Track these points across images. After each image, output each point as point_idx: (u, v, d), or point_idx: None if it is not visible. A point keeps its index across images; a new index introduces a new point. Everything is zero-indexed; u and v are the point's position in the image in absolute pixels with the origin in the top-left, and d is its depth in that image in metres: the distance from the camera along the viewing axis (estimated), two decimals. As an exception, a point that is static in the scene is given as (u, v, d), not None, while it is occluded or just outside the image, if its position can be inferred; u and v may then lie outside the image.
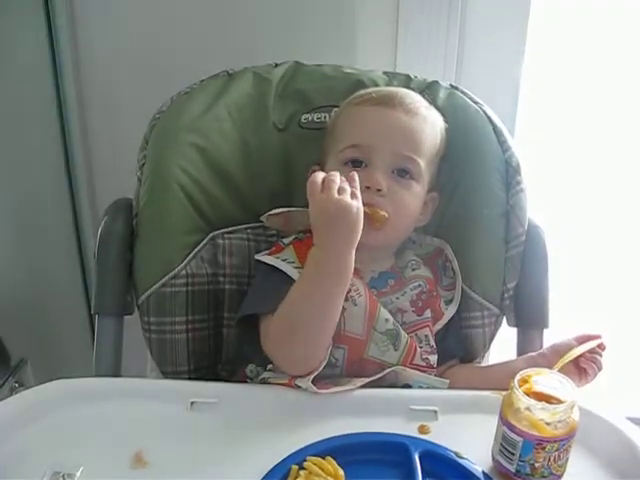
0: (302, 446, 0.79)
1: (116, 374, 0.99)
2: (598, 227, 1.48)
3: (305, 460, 0.77)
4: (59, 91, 1.30)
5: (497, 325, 1.03)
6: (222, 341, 1.05)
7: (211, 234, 1.04)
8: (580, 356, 0.92)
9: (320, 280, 0.86)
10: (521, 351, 1.02)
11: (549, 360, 0.92)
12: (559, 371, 0.89)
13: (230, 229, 1.05)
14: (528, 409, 0.76)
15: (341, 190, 0.84)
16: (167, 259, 0.99)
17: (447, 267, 1.04)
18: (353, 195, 0.85)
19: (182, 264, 0.99)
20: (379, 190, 0.94)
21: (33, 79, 1.30)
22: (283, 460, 0.77)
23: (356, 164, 0.97)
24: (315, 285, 0.86)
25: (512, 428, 0.76)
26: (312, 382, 0.86)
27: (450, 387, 0.94)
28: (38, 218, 1.38)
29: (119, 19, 1.29)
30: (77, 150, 1.34)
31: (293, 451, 0.78)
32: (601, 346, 0.93)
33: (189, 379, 1.00)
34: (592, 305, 1.50)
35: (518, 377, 0.79)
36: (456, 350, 1.02)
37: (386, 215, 0.92)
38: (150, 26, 1.29)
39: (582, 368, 0.92)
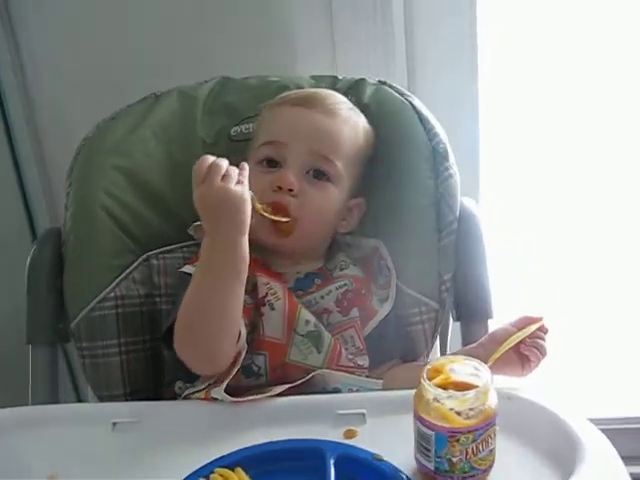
0: (215, 458, 0.76)
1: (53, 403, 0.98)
2: (563, 220, 1.43)
3: (212, 472, 0.74)
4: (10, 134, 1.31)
5: (438, 320, 0.98)
6: (163, 362, 1.02)
7: (145, 255, 1.02)
8: (521, 342, 0.87)
9: (211, 270, 0.83)
10: (467, 345, 0.96)
11: (488, 349, 0.86)
12: (499, 360, 0.84)
13: (165, 249, 1.04)
14: (436, 399, 0.70)
15: (226, 177, 0.81)
16: (94, 283, 0.98)
17: (382, 265, 1.00)
18: (239, 182, 0.82)
19: (110, 287, 0.97)
20: (291, 190, 0.91)
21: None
22: (190, 474, 0.74)
23: (271, 164, 0.95)
24: (207, 275, 0.83)
25: (423, 421, 0.71)
26: (234, 394, 0.83)
27: (389, 388, 0.89)
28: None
29: (65, 35, 1.28)
30: (33, 180, 1.34)
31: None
32: (542, 329, 0.87)
33: (126, 402, 0.98)
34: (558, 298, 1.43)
35: (428, 367, 0.73)
36: (394, 350, 0.97)
37: (290, 221, 0.90)
38: (99, 45, 1.28)
39: (524, 355, 0.86)
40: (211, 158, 0.83)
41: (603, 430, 0.77)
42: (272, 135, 0.96)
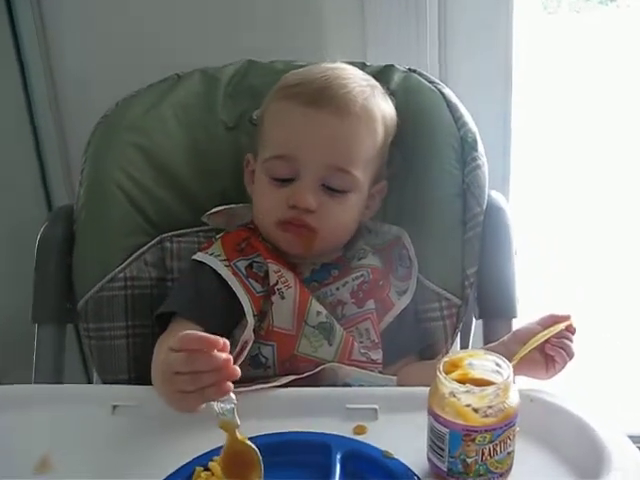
0: (216, 447, 0.72)
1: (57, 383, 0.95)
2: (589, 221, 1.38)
3: (211, 460, 0.70)
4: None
5: (459, 317, 0.93)
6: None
7: (159, 237, 0.99)
8: (546, 342, 0.81)
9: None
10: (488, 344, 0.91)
11: (510, 348, 0.80)
12: (522, 360, 0.79)
13: (180, 232, 1.00)
14: (452, 394, 0.66)
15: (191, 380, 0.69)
16: (104, 262, 0.95)
17: (404, 256, 0.95)
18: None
19: (120, 267, 0.95)
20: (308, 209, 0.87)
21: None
22: (189, 462, 0.71)
23: (284, 182, 0.89)
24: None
25: (437, 418, 0.67)
26: (240, 384, 0.78)
27: (403, 385, 0.84)
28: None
29: (91, 14, 1.23)
30: (53, 157, 1.30)
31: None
32: (570, 329, 0.81)
33: (130, 387, 0.95)
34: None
35: (445, 359, 0.69)
36: (411, 346, 0.92)
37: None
38: (125, 24, 1.23)
39: (549, 356, 0.80)
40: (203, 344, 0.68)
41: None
42: (283, 147, 0.89)
